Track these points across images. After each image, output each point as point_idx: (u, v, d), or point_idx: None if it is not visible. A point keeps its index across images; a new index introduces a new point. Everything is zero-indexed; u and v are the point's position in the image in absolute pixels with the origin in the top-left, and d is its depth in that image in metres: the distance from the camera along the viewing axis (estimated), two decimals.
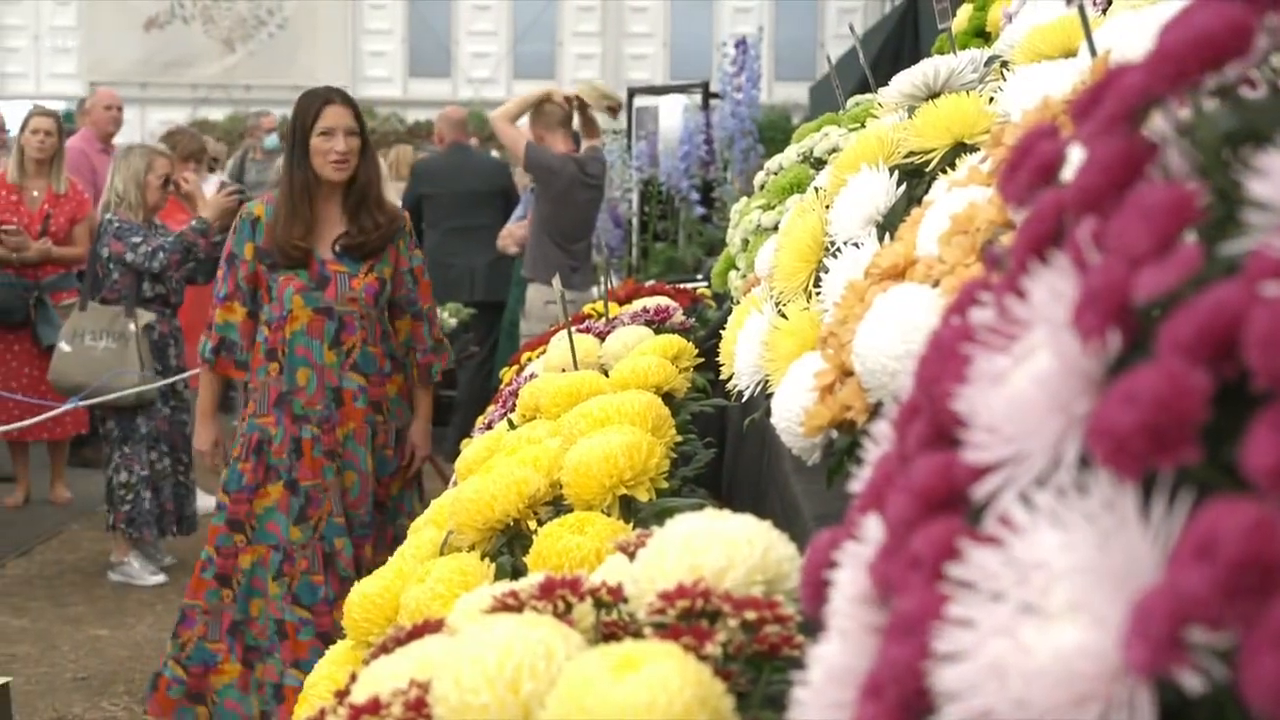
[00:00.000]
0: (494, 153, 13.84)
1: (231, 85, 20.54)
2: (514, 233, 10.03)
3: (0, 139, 9.87)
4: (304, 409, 5.27)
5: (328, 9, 21.70)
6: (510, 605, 1.30)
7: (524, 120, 8.99)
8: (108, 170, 9.24)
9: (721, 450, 3.61)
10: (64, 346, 7.85)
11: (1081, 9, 1.47)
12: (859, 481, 0.97)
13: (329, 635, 4.98)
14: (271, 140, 14.17)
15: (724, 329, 2.47)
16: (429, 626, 1.43)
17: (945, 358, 0.86)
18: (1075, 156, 0.88)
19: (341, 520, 5.27)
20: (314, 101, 5.33)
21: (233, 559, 5.26)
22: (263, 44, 21.27)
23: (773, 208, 3.50)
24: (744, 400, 2.28)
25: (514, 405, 3.03)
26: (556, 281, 3.35)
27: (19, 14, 21.93)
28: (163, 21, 21.31)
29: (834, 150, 3.38)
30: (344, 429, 5.31)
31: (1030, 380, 0.76)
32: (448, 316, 9.37)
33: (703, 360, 2.88)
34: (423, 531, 2.29)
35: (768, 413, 1.94)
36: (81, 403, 7.54)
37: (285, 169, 5.44)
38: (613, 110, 9.20)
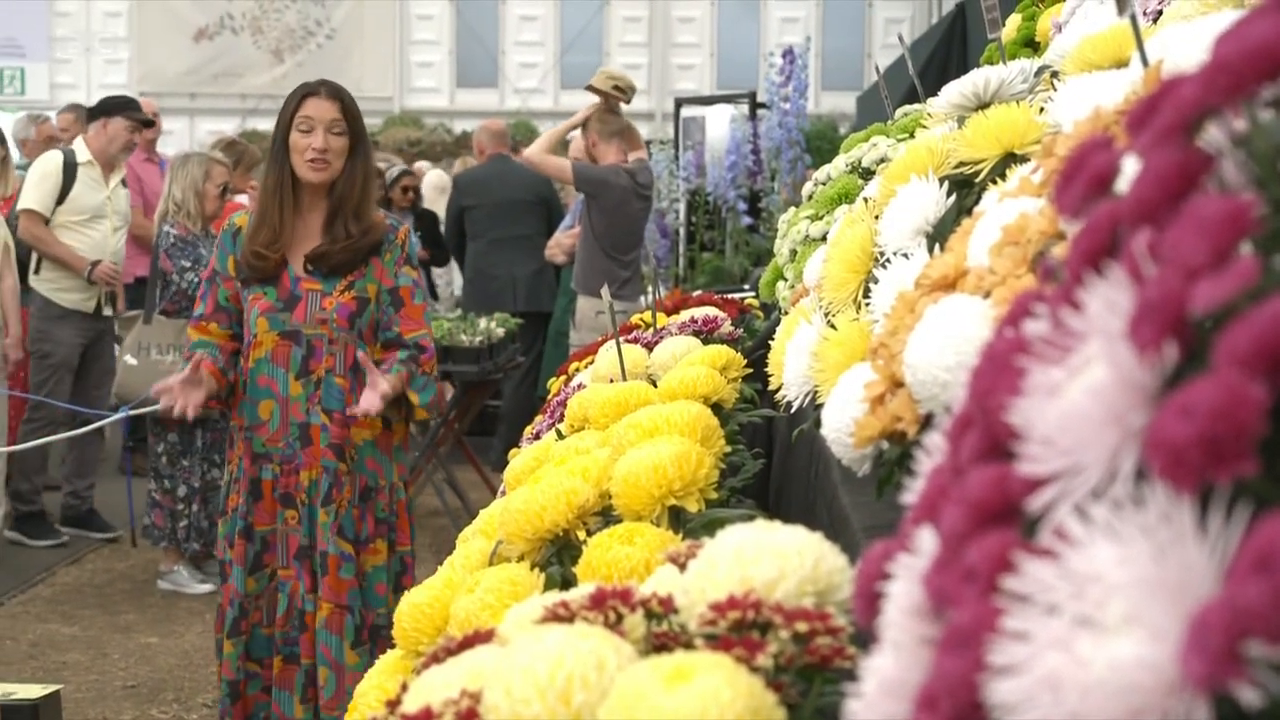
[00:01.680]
0: None
1: (280, 95, 20.58)
2: (562, 243, 10.06)
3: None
4: (265, 446, 4.67)
5: (375, 20, 21.79)
6: (561, 616, 1.31)
7: (574, 132, 9.04)
8: (153, 179, 9.29)
9: (769, 460, 3.61)
10: (129, 360, 7.89)
11: (1134, 19, 1.47)
12: (911, 493, 0.96)
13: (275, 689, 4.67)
14: None
15: (772, 339, 2.47)
16: (480, 636, 1.43)
17: (999, 370, 0.86)
18: (1130, 168, 0.88)
19: (289, 575, 4.65)
20: (296, 94, 4.77)
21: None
22: (311, 54, 21.37)
23: (821, 218, 3.50)
24: (792, 411, 2.28)
25: (562, 415, 3.03)
26: (605, 292, 3.35)
27: (70, 25, 22.09)
28: (212, 32, 21.43)
29: (882, 160, 3.38)
30: (308, 473, 4.65)
31: (1086, 393, 0.75)
32: (494, 326, 9.38)
33: (750, 371, 2.88)
34: (472, 541, 2.29)
35: (816, 423, 1.93)
36: (134, 411, 7.57)
37: (265, 168, 4.90)
38: (620, 91, 9.16)
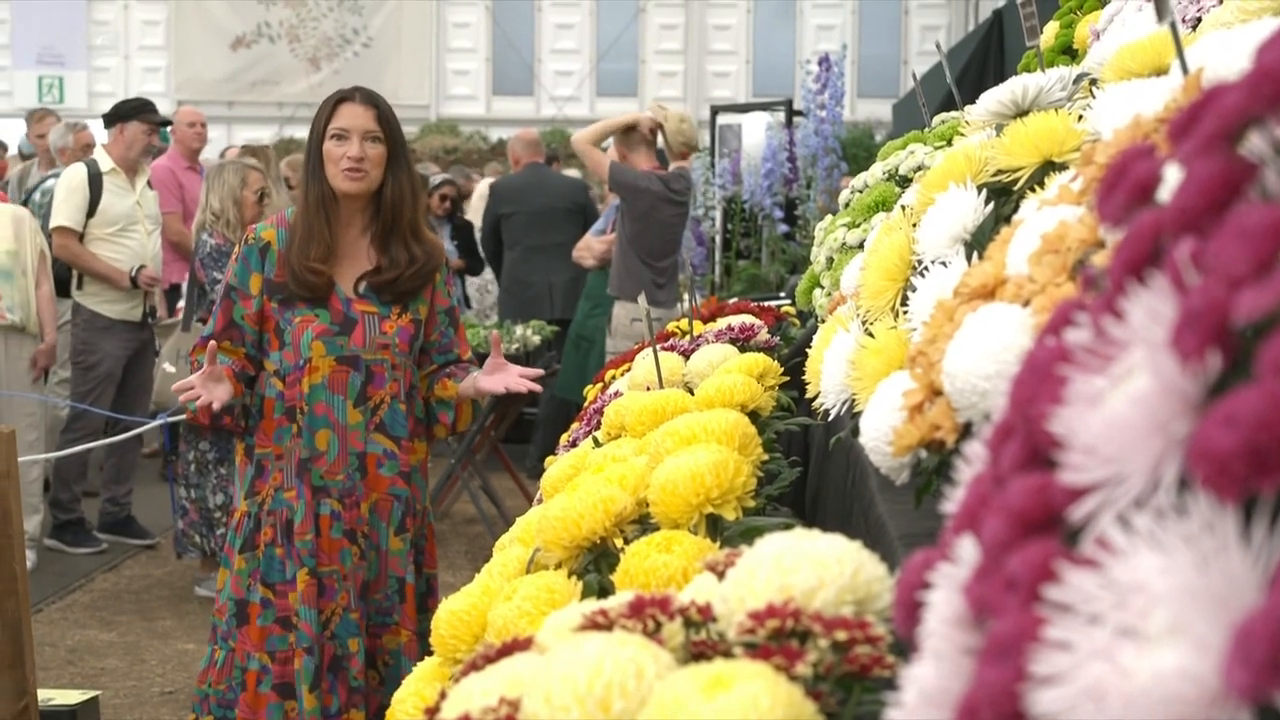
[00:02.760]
0: (572, 171, 13.91)
1: (317, 103, 20.70)
2: (594, 247, 10.05)
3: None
4: (324, 479, 4.39)
5: (412, 28, 21.87)
6: (600, 624, 1.31)
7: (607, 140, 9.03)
8: (195, 187, 9.31)
9: (805, 468, 3.61)
10: (168, 367, 7.93)
11: (1173, 26, 1.46)
12: (952, 502, 0.96)
13: None
14: None
15: (809, 347, 2.47)
16: (518, 644, 1.43)
17: (1041, 378, 0.86)
18: (1172, 177, 0.88)
19: (357, 616, 4.37)
20: (330, 101, 4.50)
21: (289, 664, 4.37)
22: (348, 62, 21.46)
23: (858, 225, 3.50)
24: (829, 419, 2.28)
25: (599, 423, 3.03)
26: (642, 299, 3.35)
27: (108, 33, 22.23)
28: (250, 41, 21.55)
29: (919, 168, 3.38)
30: (367, 502, 4.42)
31: (1128, 401, 0.75)
32: (531, 334, 9.40)
33: (787, 379, 2.88)
34: (509, 549, 2.29)
35: (854, 431, 1.93)
36: (171, 419, 7.60)
37: (301, 183, 4.57)
38: (683, 136, 9.17)
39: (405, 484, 4.45)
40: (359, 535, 4.39)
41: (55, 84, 22.31)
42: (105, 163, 8.77)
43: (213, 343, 4.32)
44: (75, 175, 8.79)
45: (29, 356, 8.34)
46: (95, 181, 8.71)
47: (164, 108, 10.77)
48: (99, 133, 9.71)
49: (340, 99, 4.46)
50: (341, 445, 4.38)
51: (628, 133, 8.93)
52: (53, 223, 8.73)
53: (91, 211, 8.67)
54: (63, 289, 9.03)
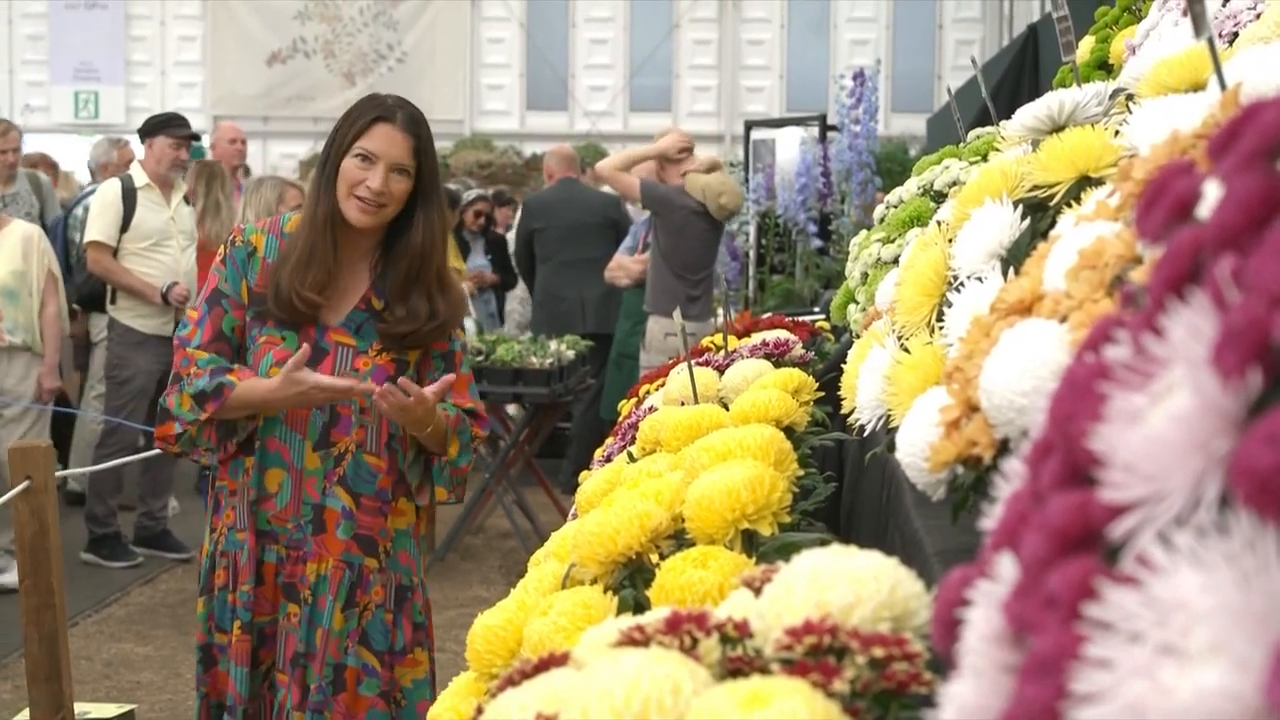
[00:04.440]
0: (604, 186, 13.94)
1: None
2: (629, 268, 10.06)
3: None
4: (270, 523, 3.85)
5: (446, 43, 21.93)
6: (636, 639, 1.31)
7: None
8: (234, 203, 9.34)
9: (839, 483, 3.60)
10: None
11: (1211, 42, 1.46)
12: (990, 519, 0.96)
13: None
14: None
15: (843, 362, 2.47)
16: (555, 660, 1.43)
17: (1080, 395, 0.86)
18: (1212, 193, 0.88)
19: (285, 680, 3.86)
20: (366, 111, 3.83)
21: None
22: (382, 78, 21.50)
23: (893, 241, 3.49)
24: (864, 434, 2.27)
25: (634, 438, 3.03)
26: (677, 314, 3.36)
27: (145, 49, 22.35)
28: (285, 56, 21.63)
29: (954, 183, 3.37)
30: (318, 565, 3.83)
31: (1169, 419, 0.75)
32: (564, 349, 9.41)
33: (822, 394, 2.88)
34: (544, 564, 2.29)
35: (890, 447, 1.93)
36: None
37: (310, 193, 3.93)
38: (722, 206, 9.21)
39: (360, 551, 3.85)
40: (300, 595, 3.84)
41: (91, 99, 22.43)
42: (140, 178, 8.82)
43: (222, 370, 3.80)
44: (109, 190, 8.84)
45: (35, 376, 8.36)
46: (129, 197, 8.75)
47: (199, 123, 10.83)
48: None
49: (379, 115, 3.80)
50: (295, 491, 3.83)
51: (666, 149, 8.98)
52: (86, 237, 8.80)
53: (125, 226, 8.71)
54: (98, 304, 9.09)
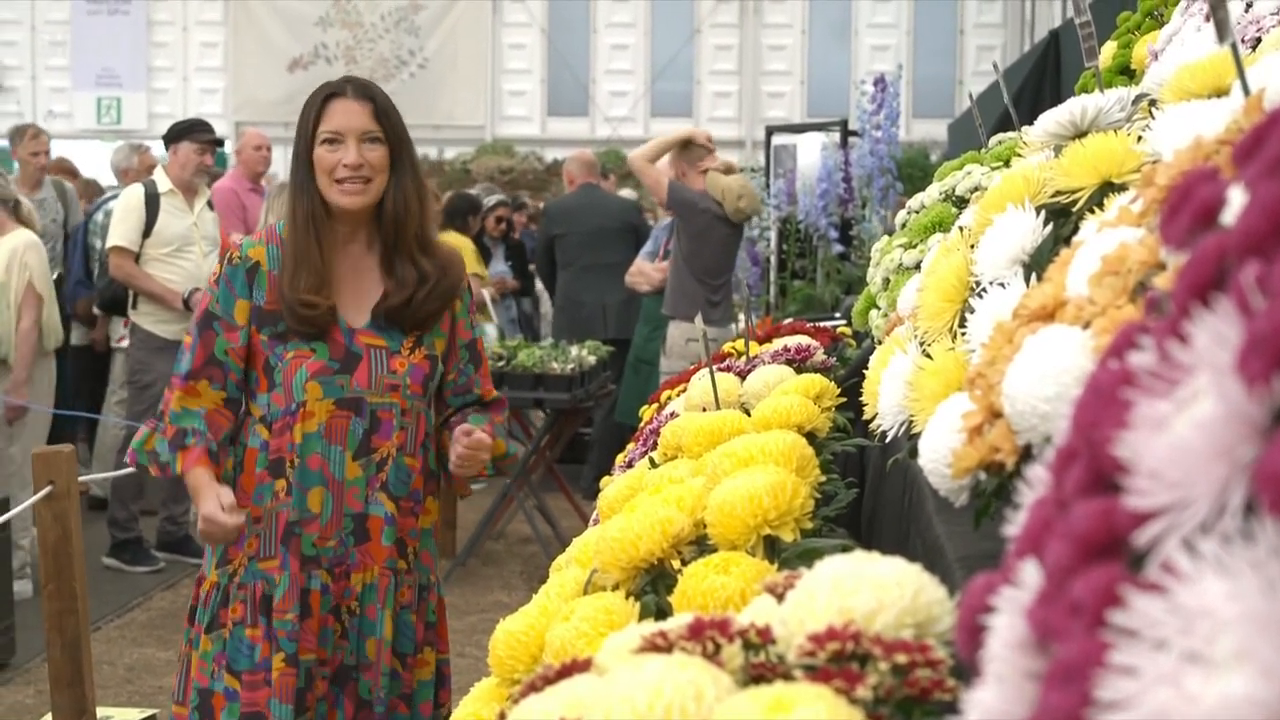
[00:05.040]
0: (626, 191, 13.95)
1: None
2: (648, 274, 10.06)
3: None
4: (315, 546, 3.69)
5: (468, 49, 22.00)
6: (659, 645, 1.31)
7: (663, 160, 9.06)
8: (258, 209, 9.36)
9: (860, 489, 3.60)
10: None
11: (1234, 47, 1.46)
12: (1014, 526, 0.96)
13: None
14: None
15: (865, 368, 2.47)
16: (577, 665, 1.43)
17: (1104, 402, 0.85)
18: (1236, 199, 0.87)
19: (336, 715, 3.70)
20: (317, 95, 3.75)
21: None
22: (404, 84, 21.58)
23: (914, 246, 3.49)
24: (886, 440, 2.27)
25: (655, 444, 3.03)
26: (698, 319, 3.36)
27: (167, 55, 22.44)
28: (306, 62, 21.72)
29: (976, 189, 3.37)
30: (363, 575, 3.71)
31: (1193, 426, 0.75)
32: (585, 354, 9.41)
33: (844, 400, 2.87)
34: (566, 570, 2.30)
35: (912, 453, 1.93)
36: None
37: (289, 197, 3.82)
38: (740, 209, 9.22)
39: (397, 553, 3.74)
40: (343, 611, 3.70)
41: (114, 105, 22.53)
42: (164, 184, 8.83)
43: (228, 501, 3.63)
44: (132, 196, 8.85)
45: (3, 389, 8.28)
46: (152, 202, 8.76)
47: (221, 129, 10.85)
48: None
49: (329, 93, 3.72)
50: (336, 505, 3.69)
51: (686, 149, 8.98)
52: (109, 242, 8.82)
53: (148, 232, 8.73)
54: (119, 308, 9.11)
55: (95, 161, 15.14)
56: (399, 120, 3.78)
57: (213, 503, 3.59)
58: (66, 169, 12.21)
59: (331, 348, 3.69)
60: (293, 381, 3.67)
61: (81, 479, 5.45)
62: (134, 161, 10.70)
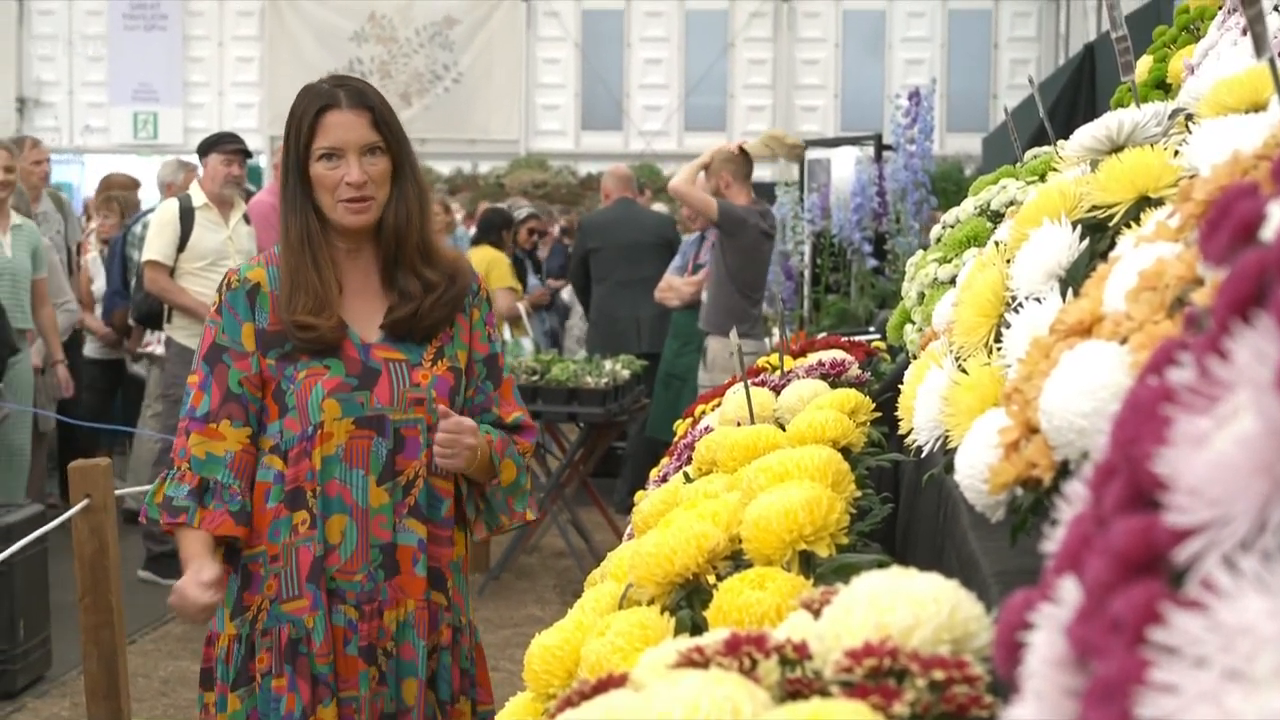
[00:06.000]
0: (661, 206, 13.97)
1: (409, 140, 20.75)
2: (678, 288, 10.08)
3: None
4: (336, 580, 3.39)
5: (502, 64, 22.06)
6: (695, 661, 1.31)
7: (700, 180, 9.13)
8: None
9: (894, 504, 3.59)
10: None
11: (1272, 62, 1.45)
12: (1052, 542, 0.96)
13: None
14: None
15: (900, 383, 2.46)
16: (613, 680, 1.43)
17: (1144, 418, 0.85)
18: (1276, 215, 0.87)
19: None
20: (309, 106, 3.45)
21: None
22: (438, 98, 21.65)
23: (949, 261, 3.48)
24: (921, 455, 2.27)
25: (689, 458, 3.03)
26: (733, 334, 3.36)
27: (202, 70, 22.55)
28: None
29: (1011, 203, 3.36)
30: (396, 612, 3.42)
31: (1234, 443, 0.75)
32: (619, 368, 9.41)
33: (878, 414, 2.87)
34: (601, 584, 2.30)
35: (947, 468, 1.92)
36: None
37: (281, 216, 3.55)
38: (796, 154, 9.30)
39: (432, 585, 3.47)
40: (379, 653, 3.40)
41: (150, 120, 22.64)
42: (198, 198, 8.87)
43: (202, 529, 3.37)
44: (167, 210, 8.89)
45: None
46: (187, 216, 8.79)
47: (256, 143, 10.89)
48: None
49: (324, 105, 3.42)
50: (361, 535, 3.39)
51: (730, 162, 9.05)
52: (144, 256, 8.86)
53: (183, 246, 8.76)
54: (154, 322, 9.15)
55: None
56: (396, 123, 3.53)
57: (189, 576, 3.32)
58: (126, 184, 12.24)
59: (347, 364, 3.42)
60: (308, 402, 3.39)
61: (117, 492, 5.47)
62: (179, 178, 10.75)
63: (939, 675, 1.16)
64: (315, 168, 3.41)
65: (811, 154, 14.85)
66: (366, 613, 3.37)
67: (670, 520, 2.11)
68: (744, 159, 9.19)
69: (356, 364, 3.42)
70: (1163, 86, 3.65)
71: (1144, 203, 1.88)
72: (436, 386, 3.45)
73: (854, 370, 3.37)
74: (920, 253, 3.99)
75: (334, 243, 3.50)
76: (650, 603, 1.97)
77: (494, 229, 11.96)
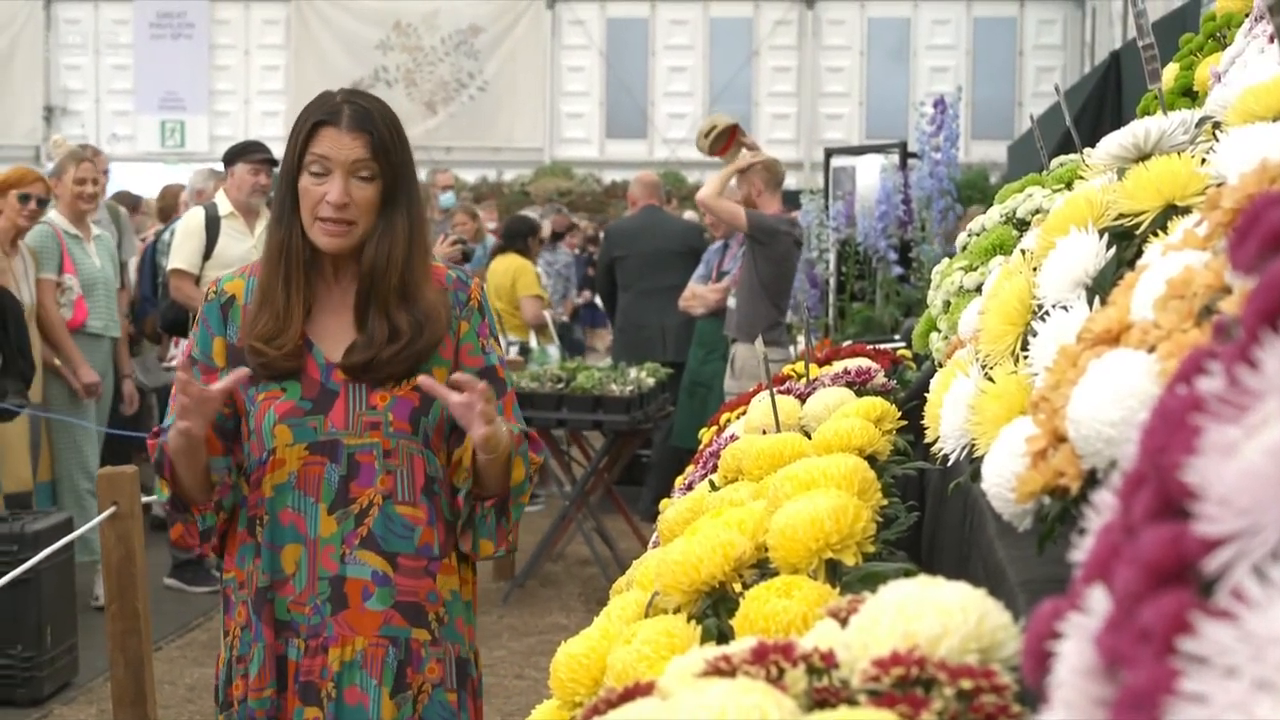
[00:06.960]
0: (691, 214, 13.98)
1: (432, 147, 20.97)
2: (703, 296, 10.10)
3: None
4: (290, 612, 3.21)
5: (527, 72, 22.10)
6: (722, 669, 1.31)
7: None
8: None
9: (921, 513, 3.59)
10: None
11: None
12: (1081, 551, 0.96)
13: None
14: (447, 198, 14.36)
15: (925, 391, 2.46)
16: (640, 689, 1.43)
17: (1173, 428, 0.85)
18: None
19: None
20: (310, 115, 3.26)
21: None
22: (463, 106, 21.70)
23: (975, 269, 3.48)
24: (947, 464, 2.27)
25: (715, 466, 3.03)
26: (759, 342, 3.36)
27: (229, 78, 22.64)
28: (367, 85, 21.84)
29: (1038, 211, 3.35)
30: (341, 650, 3.18)
31: (1264, 452, 0.75)
32: (644, 376, 9.41)
33: (904, 422, 2.87)
34: (627, 593, 2.30)
35: (974, 476, 1.92)
36: None
37: (269, 226, 3.42)
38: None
39: (406, 621, 3.22)
40: (320, 694, 3.18)
41: (177, 128, 22.73)
42: (224, 207, 8.89)
43: (184, 357, 3.23)
44: (193, 219, 8.91)
45: None
46: (213, 225, 8.81)
47: (281, 152, 10.89)
48: None
49: (320, 119, 3.23)
50: (310, 566, 3.20)
51: (762, 172, 9.07)
52: (169, 265, 8.88)
53: (208, 254, 8.78)
54: (180, 330, 9.17)
55: (159, 184, 15.27)
56: (400, 151, 3.27)
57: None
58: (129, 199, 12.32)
59: (305, 386, 3.22)
60: (263, 426, 3.21)
61: (144, 500, 5.49)
62: (209, 186, 10.78)
63: (966, 684, 1.16)
64: (303, 180, 3.21)
65: (836, 161, 14.84)
66: (310, 648, 3.18)
67: (696, 528, 2.11)
68: (777, 166, 9.22)
69: (315, 386, 3.22)
70: (1189, 94, 3.64)
71: (1171, 211, 1.87)
72: (395, 409, 3.22)
73: (879, 378, 3.37)
74: (946, 261, 3.99)
75: (317, 257, 3.28)
76: (676, 611, 1.97)
77: (520, 237, 11.97)
